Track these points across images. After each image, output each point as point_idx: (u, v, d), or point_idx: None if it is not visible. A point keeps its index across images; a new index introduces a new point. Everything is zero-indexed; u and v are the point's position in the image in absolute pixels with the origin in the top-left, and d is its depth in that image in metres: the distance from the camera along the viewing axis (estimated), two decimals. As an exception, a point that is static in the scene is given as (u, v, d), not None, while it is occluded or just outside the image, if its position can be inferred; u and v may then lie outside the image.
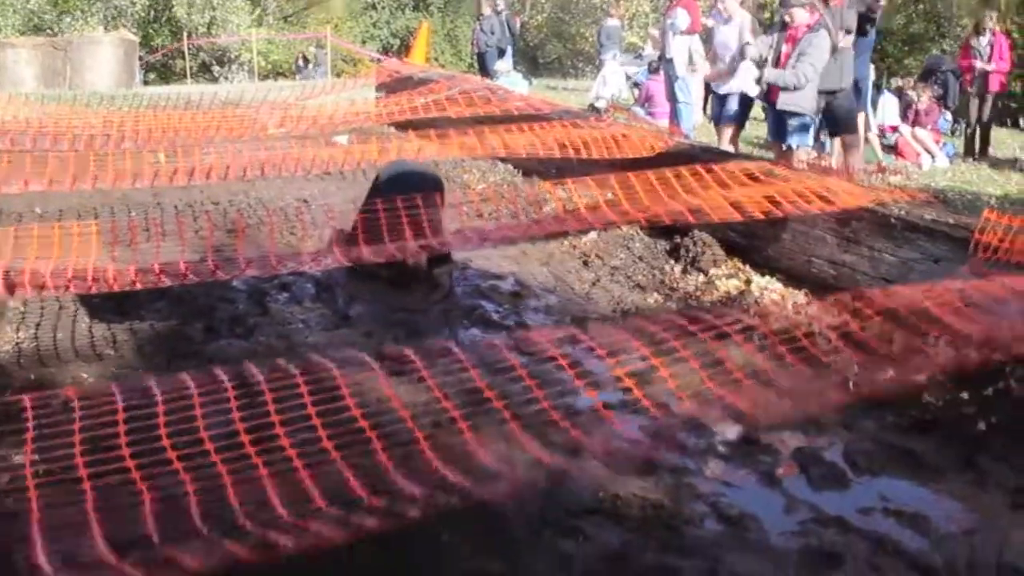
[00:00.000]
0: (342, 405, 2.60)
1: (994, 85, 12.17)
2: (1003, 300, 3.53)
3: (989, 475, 3.47)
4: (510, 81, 14.90)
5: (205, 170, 5.44)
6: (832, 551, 2.94)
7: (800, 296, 5.08)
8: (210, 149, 6.11)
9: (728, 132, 9.26)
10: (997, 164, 11.19)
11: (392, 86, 11.08)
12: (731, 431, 3.70)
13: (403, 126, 9.18)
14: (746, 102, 9.10)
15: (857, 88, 8.94)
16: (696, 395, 2.92)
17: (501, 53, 16.75)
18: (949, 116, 15.51)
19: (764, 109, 9.26)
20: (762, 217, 4.63)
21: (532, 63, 30.02)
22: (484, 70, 16.71)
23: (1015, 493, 3.34)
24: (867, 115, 10.11)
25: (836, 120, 8.33)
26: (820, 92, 7.71)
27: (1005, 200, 8.06)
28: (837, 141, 9.00)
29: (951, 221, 4.78)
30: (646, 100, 13.03)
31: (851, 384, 3.95)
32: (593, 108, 12.91)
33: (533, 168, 7.94)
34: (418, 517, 2.88)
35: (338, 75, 20.86)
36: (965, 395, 4.03)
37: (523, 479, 3.02)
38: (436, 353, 2.98)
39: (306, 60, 26.91)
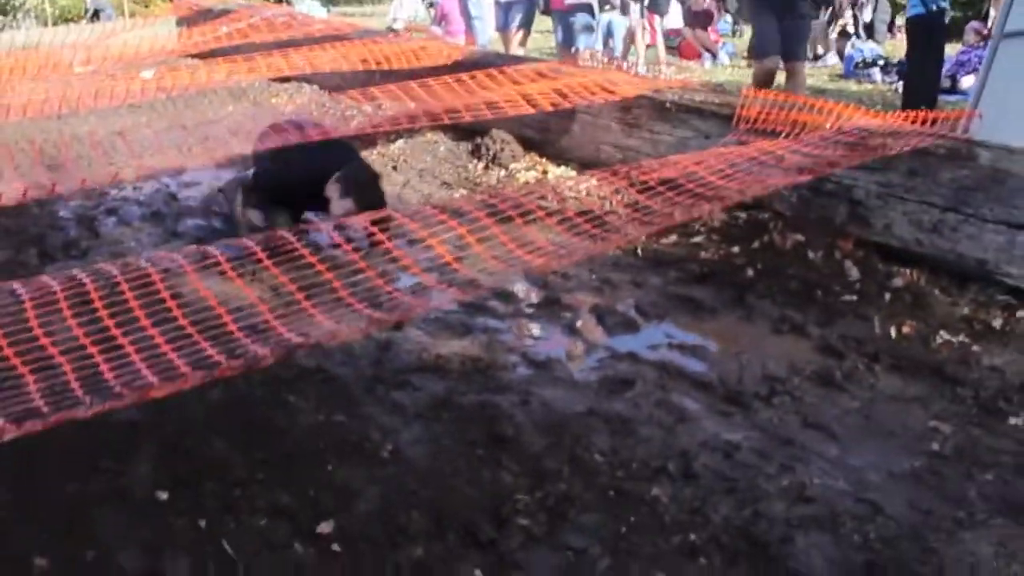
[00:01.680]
0: (191, 290, 2.89)
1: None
2: (759, 160, 4.06)
3: (755, 310, 4.05)
4: (307, 8, 14.92)
5: (18, 108, 5.49)
6: (625, 378, 3.45)
7: (591, 179, 5.56)
8: (19, 88, 6.13)
9: (516, 38, 9.64)
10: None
11: (193, 19, 10.99)
12: (535, 295, 4.15)
13: (208, 56, 9.21)
14: (530, 8, 9.45)
15: None
16: (502, 262, 3.31)
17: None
18: (729, 18, 16.37)
19: (552, 19, 9.71)
20: (551, 109, 5.06)
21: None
22: (284, -1, 16.63)
23: (776, 322, 3.93)
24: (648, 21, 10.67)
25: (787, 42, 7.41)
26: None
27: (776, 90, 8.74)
28: (621, 39, 9.44)
29: (718, 101, 5.35)
30: (442, 19, 13.29)
31: (637, 246, 4.48)
32: (391, 30, 13.12)
33: (338, 86, 8.17)
34: (268, 380, 3.25)
35: (131, 15, 20.18)
36: (735, 248, 4.62)
37: (356, 340, 3.41)
38: (270, 246, 3.27)
39: (96, 12, 25.67)
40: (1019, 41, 5.24)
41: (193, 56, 9.15)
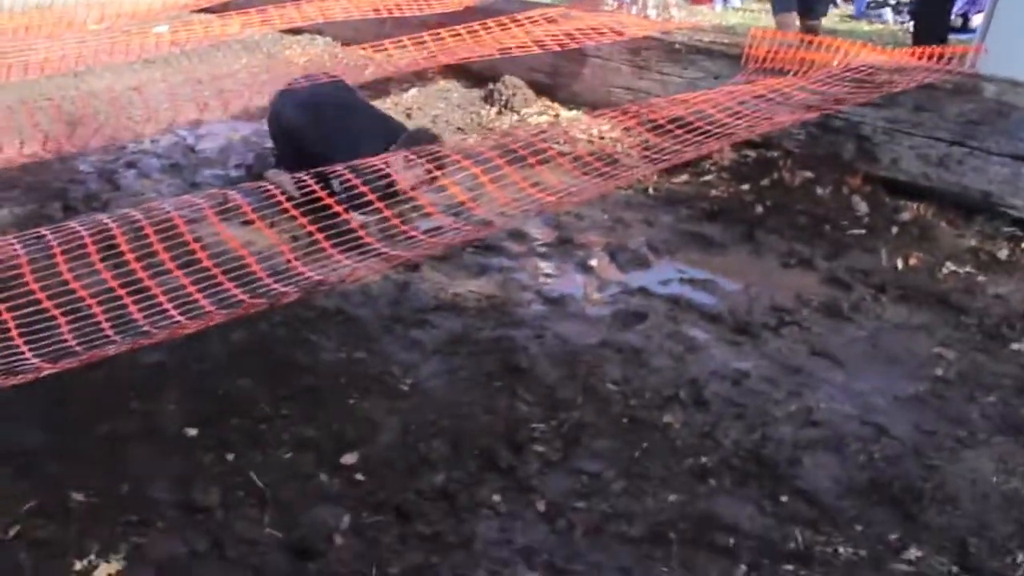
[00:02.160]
0: (213, 231, 2.97)
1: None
2: (766, 97, 4.11)
3: (764, 245, 4.12)
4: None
5: (36, 66, 5.54)
6: (638, 311, 3.54)
7: (602, 121, 5.60)
8: (36, 46, 6.16)
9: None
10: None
11: (206, -27, 10.94)
12: (549, 234, 4.23)
13: (221, 10, 9.20)
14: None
15: None
16: (515, 202, 3.37)
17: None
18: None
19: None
20: (559, 49, 5.11)
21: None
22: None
23: (785, 256, 4.01)
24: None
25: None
26: None
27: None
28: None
29: (727, 42, 5.39)
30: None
31: (648, 186, 4.55)
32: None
33: (350, 37, 8.17)
34: (290, 321, 3.34)
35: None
36: (745, 186, 4.68)
37: (375, 282, 3.50)
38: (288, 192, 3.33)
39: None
40: (1026, -24, 5.24)
41: (206, 10, 9.15)
